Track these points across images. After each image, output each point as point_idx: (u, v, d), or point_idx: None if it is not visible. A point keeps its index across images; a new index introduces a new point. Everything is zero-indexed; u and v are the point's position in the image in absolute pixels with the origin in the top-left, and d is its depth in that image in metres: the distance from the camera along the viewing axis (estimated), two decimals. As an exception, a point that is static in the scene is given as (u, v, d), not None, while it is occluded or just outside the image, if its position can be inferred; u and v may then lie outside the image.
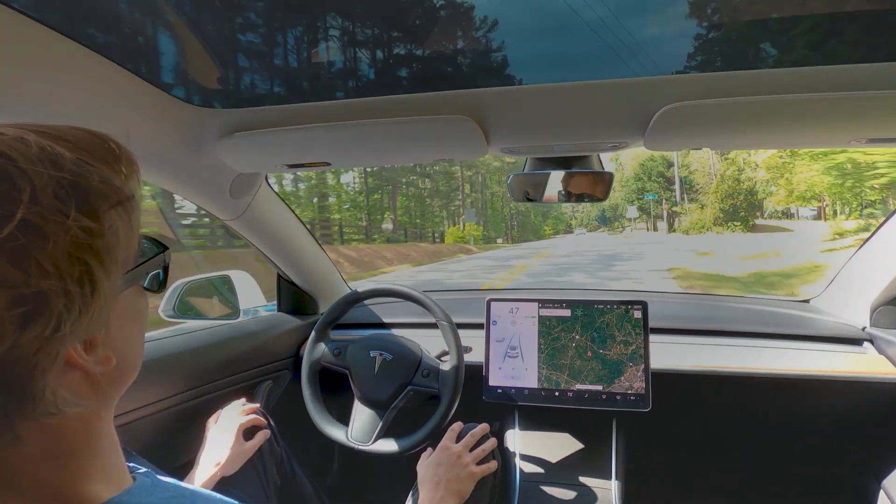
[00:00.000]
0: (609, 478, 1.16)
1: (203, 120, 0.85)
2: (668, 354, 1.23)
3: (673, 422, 1.34)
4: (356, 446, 1.10)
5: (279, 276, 1.45)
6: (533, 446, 1.25)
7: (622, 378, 1.14)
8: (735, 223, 29.71)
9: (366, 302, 1.26)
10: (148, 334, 1.09)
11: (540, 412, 1.24)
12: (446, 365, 1.12)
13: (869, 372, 1.14)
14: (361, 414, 1.15)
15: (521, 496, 1.16)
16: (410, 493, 0.98)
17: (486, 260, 19.61)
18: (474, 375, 1.19)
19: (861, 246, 1.24)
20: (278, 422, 1.07)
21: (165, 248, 0.44)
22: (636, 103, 0.79)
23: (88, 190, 0.33)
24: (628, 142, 0.92)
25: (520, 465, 1.22)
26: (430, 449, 0.99)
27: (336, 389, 1.21)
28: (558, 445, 1.24)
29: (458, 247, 28.99)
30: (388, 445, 1.09)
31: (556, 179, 1.06)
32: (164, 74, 0.77)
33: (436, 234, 34.94)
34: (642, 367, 1.13)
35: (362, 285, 1.29)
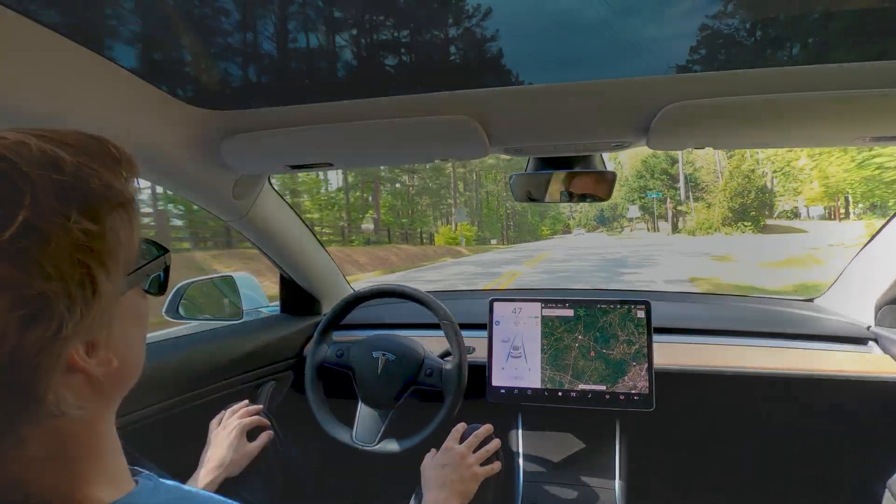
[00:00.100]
0: (612, 477, 1.16)
1: (205, 121, 0.85)
2: (672, 354, 1.22)
3: (677, 422, 1.34)
4: (361, 447, 1.10)
5: (282, 277, 1.45)
6: (536, 446, 1.24)
7: (626, 378, 1.14)
8: (745, 223, 28.29)
9: (368, 302, 1.26)
10: (150, 335, 1.10)
11: (543, 412, 1.24)
12: (449, 364, 1.12)
13: (874, 371, 1.13)
14: (365, 415, 1.14)
15: (525, 496, 1.16)
16: (414, 493, 0.98)
17: (470, 265, 17.34)
18: (477, 376, 1.19)
19: (866, 245, 1.23)
20: (281, 423, 1.07)
21: (166, 250, 0.44)
22: (639, 102, 0.78)
23: (89, 193, 0.33)
24: (631, 141, 0.91)
25: (523, 465, 1.21)
26: (433, 450, 0.99)
27: (339, 390, 1.21)
28: (561, 445, 1.23)
29: (446, 249, 26.85)
30: (393, 446, 1.09)
31: (558, 179, 1.05)
32: (166, 76, 0.77)
33: (424, 235, 32.81)
34: (646, 366, 1.13)
35: (365, 286, 1.29)
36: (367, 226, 30.13)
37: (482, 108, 0.81)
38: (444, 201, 43.99)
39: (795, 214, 29.93)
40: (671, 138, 0.86)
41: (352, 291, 1.53)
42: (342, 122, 0.84)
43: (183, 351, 1.10)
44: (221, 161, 0.93)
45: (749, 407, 1.28)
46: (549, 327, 1.20)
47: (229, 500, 0.41)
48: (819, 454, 1.35)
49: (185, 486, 0.43)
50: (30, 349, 0.30)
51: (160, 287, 0.45)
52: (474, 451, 0.96)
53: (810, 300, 1.47)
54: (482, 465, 0.95)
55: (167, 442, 1.04)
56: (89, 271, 0.32)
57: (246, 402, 1.04)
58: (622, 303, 1.18)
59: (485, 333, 1.23)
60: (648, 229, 48.19)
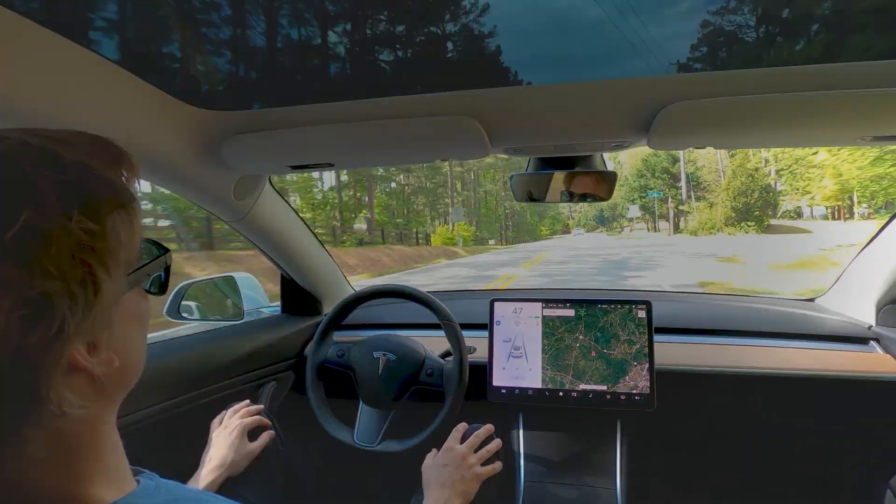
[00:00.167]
0: (613, 478, 1.16)
1: (206, 122, 0.85)
2: (673, 354, 1.22)
3: (678, 422, 1.34)
4: (362, 447, 1.10)
5: (283, 277, 1.45)
6: (537, 446, 1.24)
7: (627, 378, 1.14)
8: (749, 223, 27.57)
9: (369, 302, 1.26)
10: (151, 335, 1.10)
11: (544, 412, 1.24)
12: (450, 364, 1.12)
13: (875, 371, 1.13)
14: (366, 415, 1.14)
15: (526, 496, 1.16)
16: (415, 493, 0.98)
17: (464, 267, 16.27)
18: (478, 376, 1.19)
19: (867, 244, 1.23)
20: (282, 423, 1.07)
21: (167, 250, 0.44)
22: (639, 102, 0.78)
23: (90, 193, 0.34)
24: (632, 141, 0.91)
25: (524, 464, 1.21)
26: (434, 450, 0.99)
27: (340, 390, 1.21)
28: (562, 445, 1.23)
29: (442, 249, 25.76)
30: (394, 446, 1.09)
31: (559, 179, 1.05)
32: (167, 77, 0.77)
33: (420, 236, 31.82)
34: (647, 366, 1.13)
35: (366, 286, 1.30)
36: (360, 226, 28.79)
37: (483, 108, 0.81)
38: (440, 201, 43.07)
39: (798, 214, 29.36)
40: (672, 138, 0.86)
41: (352, 292, 1.53)
42: (343, 122, 0.84)
43: (184, 351, 1.10)
44: (222, 162, 0.93)
45: (750, 407, 1.28)
46: (550, 327, 1.20)
47: (231, 500, 0.41)
48: (820, 454, 1.35)
49: (187, 486, 0.43)
50: (32, 349, 0.30)
51: (161, 287, 0.45)
52: (475, 451, 0.96)
53: (811, 300, 1.47)
54: (483, 465, 0.95)
55: (168, 442, 1.04)
56: (91, 271, 0.32)
57: (247, 402, 1.04)
58: (623, 302, 1.18)
59: (486, 333, 1.23)
60: (648, 229, 47.41)
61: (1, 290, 0.29)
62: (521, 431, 1.26)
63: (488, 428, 1.02)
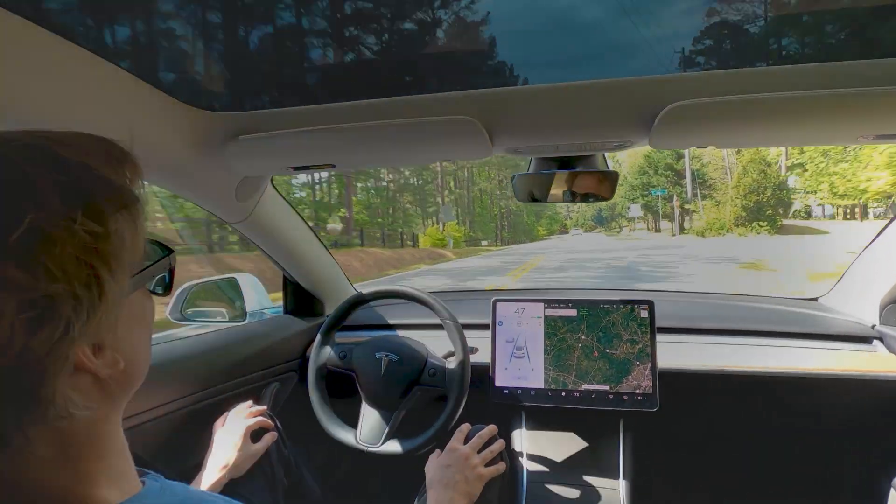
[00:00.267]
0: (616, 477, 1.15)
1: (208, 123, 0.85)
2: (676, 354, 1.22)
3: (680, 421, 1.34)
4: (365, 448, 1.10)
5: (285, 279, 1.46)
6: (540, 446, 1.24)
7: (629, 377, 1.13)
8: (760, 223, 25.71)
9: (371, 303, 1.26)
10: (154, 336, 1.10)
11: (546, 412, 1.24)
12: (452, 363, 1.12)
13: (879, 370, 1.13)
14: (369, 416, 1.15)
15: (529, 496, 1.16)
16: (418, 494, 0.98)
17: (439, 277, 13.40)
18: (481, 376, 1.19)
19: (870, 243, 1.22)
20: (285, 424, 1.07)
21: (171, 250, 0.44)
22: (641, 102, 0.78)
23: (94, 194, 0.34)
24: (633, 140, 0.91)
25: (527, 465, 1.21)
26: (437, 450, 0.99)
27: (343, 392, 1.21)
28: (565, 445, 1.23)
29: (428, 252, 22.72)
30: (397, 446, 1.09)
31: (560, 179, 1.05)
32: (169, 78, 0.78)
33: (406, 237, 29.25)
34: (649, 365, 1.13)
35: (367, 287, 1.30)
36: (334, 226, 24.76)
37: (484, 108, 0.81)
38: (430, 199, 40.28)
39: (808, 214, 28.01)
40: (674, 137, 0.86)
41: (355, 293, 1.54)
42: (345, 123, 0.84)
43: (187, 352, 1.10)
44: (225, 163, 0.93)
45: (753, 407, 1.28)
46: (553, 327, 1.20)
47: (234, 501, 0.41)
48: (824, 454, 1.35)
49: (191, 488, 0.43)
50: (37, 351, 0.30)
51: (165, 287, 0.45)
52: (479, 452, 0.96)
53: (814, 299, 1.46)
54: (486, 465, 0.95)
55: (172, 443, 1.04)
56: (95, 272, 0.32)
57: (250, 402, 1.04)
58: (625, 302, 1.18)
59: (488, 334, 1.23)
60: (649, 229, 45.86)
61: (5, 293, 0.29)
62: (523, 431, 1.26)
63: (491, 428, 1.02)
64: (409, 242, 28.43)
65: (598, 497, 1.14)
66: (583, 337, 1.18)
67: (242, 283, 1.41)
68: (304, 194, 26.62)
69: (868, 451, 1.28)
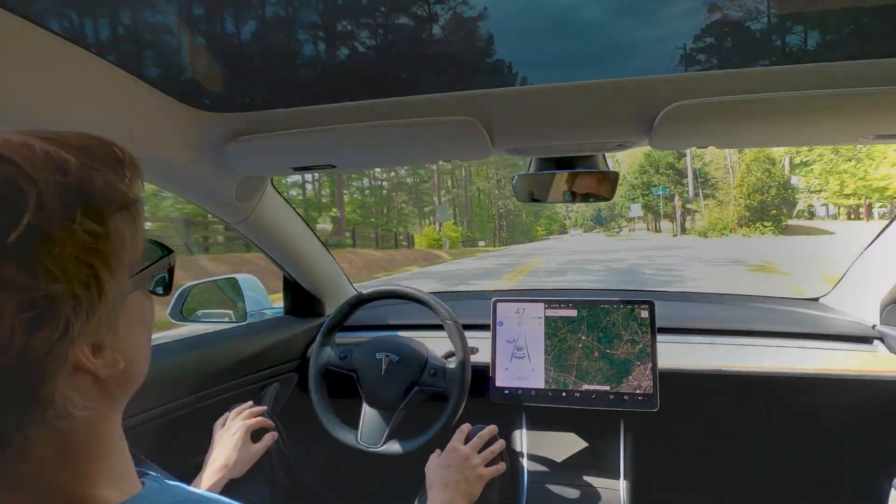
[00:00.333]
0: (617, 477, 1.15)
1: (209, 123, 0.85)
2: (676, 354, 1.22)
3: (681, 422, 1.33)
4: (366, 448, 1.10)
5: (285, 279, 1.46)
6: (540, 446, 1.24)
7: (630, 378, 1.13)
8: (765, 223, 24.93)
9: (371, 304, 1.26)
10: (154, 337, 1.10)
11: (547, 413, 1.24)
12: (453, 363, 1.12)
13: (879, 370, 1.13)
14: (370, 416, 1.15)
15: (529, 496, 1.16)
16: (418, 494, 0.98)
17: (430, 280, 12.46)
18: (481, 376, 1.19)
19: (871, 243, 1.22)
20: (285, 424, 1.07)
21: (170, 250, 0.44)
22: (641, 102, 0.78)
23: (94, 194, 0.34)
24: (634, 141, 0.91)
25: (527, 465, 1.21)
26: (438, 450, 0.99)
27: (343, 392, 1.21)
28: (566, 445, 1.23)
29: (422, 253, 21.53)
30: (398, 447, 1.09)
31: (561, 179, 1.05)
32: (169, 78, 0.78)
33: (401, 237, 28.29)
34: (650, 365, 1.13)
35: (368, 287, 1.30)
36: (324, 226, 23.71)
37: (484, 108, 0.81)
38: (426, 198, 38.90)
39: (811, 214, 27.28)
40: (674, 138, 0.86)
41: (355, 293, 1.54)
42: (345, 123, 0.84)
43: (187, 353, 1.10)
44: (225, 163, 0.93)
45: (753, 407, 1.28)
46: (553, 328, 1.20)
47: (234, 502, 0.41)
48: (824, 454, 1.35)
49: (191, 488, 0.43)
50: (37, 351, 0.30)
51: (165, 287, 0.45)
52: (479, 452, 0.96)
53: (815, 299, 1.46)
54: (487, 465, 0.95)
55: (172, 443, 1.04)
56: (94, 272, 0.32)
57: (250, 403, 1.04)
58: (626, 303, 1.17)
59: (488, 334, 1.23)
60: (649, 229, 45.25)
61: (5, 293, 0.29)
62: (524, 432, 1.26)
63: (492, 429, 1.02)
64: (404, 243, 27.53)
65: (599, 497, 1.13)
66: (583, 337, 1.18)
67: (243, 284, 1.41)
68: (294, 192, 26.00)
69: (868, 451, 1.28)
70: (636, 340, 1.15)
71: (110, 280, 0.33)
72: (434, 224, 32.41)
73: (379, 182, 34.00)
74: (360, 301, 1.25)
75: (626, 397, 1.13)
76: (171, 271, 0.45)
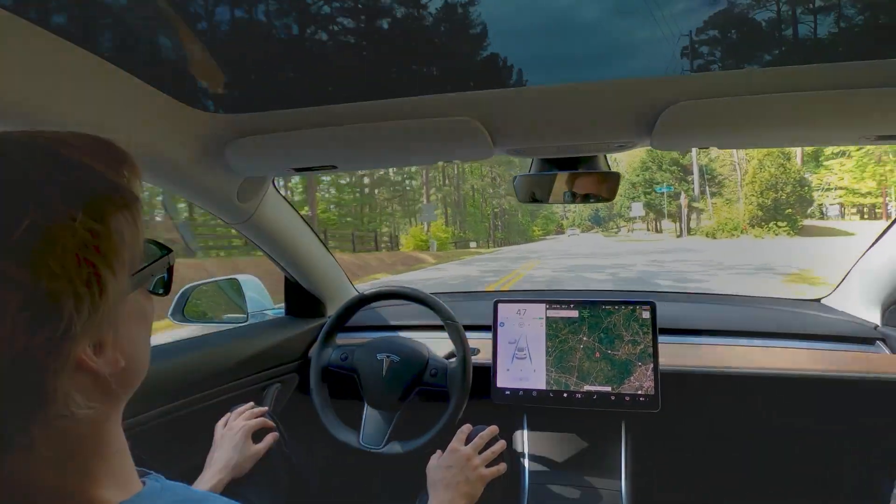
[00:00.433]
0: (618, 478, 1.15)
1: (210, 124, 0.86)
2: (678, 355, 1.22)
3: (682, 423, 1.33)
4: (368, 449, 1.10)
5: (286, 279, 1.46)
6: (542, 447, 1.24)
7: (631, 378, 1.13)
8: (779, 223, 23.09)
9: (372, 304, 1.26)
10: (155, 337, 1.10)
11: (548, 413, 1.23)
12: (454, 364, 1.12)
13: (882, 371, 1.12)
14: (371, 417, 1.15)
15: (530, 497, 1.16)
16: (419, 495, 0.98)
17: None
18: (482, 377, 1.19)
19: (873, 243, 1.22)
20: (286, 424, 1.07)
21: (170, 250, 0.44)
22: (642, 102, 0.78)
23: (94, 194, 0.34)
24: (635, 141, 0.91)
25: (528, 465, 1.21)
26: (439, 451, 0.99)
27: (344, 393, 1.21)
28: (567, 446, 1.23)
29: (402, 257, 19.17)
30: (399, 447, 1.09)
31: (562, 180, 1.05)
32: (171, 79, 0.78)
33: (383, 238, 25.84)
34: (651, 366, 1.13)
35: (369, 288, 1.30)
36: None
37: (485, 109, 0.81)
38: (416, 196, 36.35)
39: (822, 214, 25.66)
40: (675, 138, 0.86)
41: (356, 294, 1.54)
42: (346, 124, 0.85)
43: (188, 354, 1.11)
44: (226, 164, 0.93)
45: (755, 407, 1.27)
46: (554, 329, 1.20)
47: (235, 502, 0.41)
48: (825, 454, 1.34)
49: (192, 488, 0.43)
50: (39, 349, 0.30)
51: (165, 287, 0.45)
52: (480, 453, 0.96)
53: (817, 300, 1.46)
54: (488, 466, 0.95)
55: (173, 444, 1.04)
56: (96, 270, 0.33)
57: (251, 403, 1.04)
58: (627, 303, 1.17)
59: (489, 335, 1.23)
60: (649, 229, 43.85)
61: (7, 291, 0.29)
62: (525, 432, 1.26)
63: (493, 429, 1.02)
64: (384, 245, 24.95)
65: (600, 498, 1.13)
66: (584, 338, 1.18)
67: (244, 285, 1.42)
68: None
69: (869, 451, 1.28)
70: (637, 341, 1.15)
71: (111, 278, 0.34)
72: (423, 224, 28.87)
73: (359, 177, 30.72)
74: (361, 301, 1.25)
75: (627, 398, 1.13)
76: (170, 271, 0.45)
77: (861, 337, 1.21)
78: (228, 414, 1.01)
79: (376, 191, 32.78)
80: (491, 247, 38.73)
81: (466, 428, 1.02)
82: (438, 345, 1.24)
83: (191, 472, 0.89)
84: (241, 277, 1.42)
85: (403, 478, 1.15)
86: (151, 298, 0.43)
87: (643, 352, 1.14)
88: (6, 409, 0.30)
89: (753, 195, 24.12)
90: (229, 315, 1.41)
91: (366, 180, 31.56)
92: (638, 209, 39.04)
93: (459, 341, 1.12)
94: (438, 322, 1.16)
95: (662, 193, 36.38)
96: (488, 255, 24.83)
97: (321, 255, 1.43)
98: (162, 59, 0.79)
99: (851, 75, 0.69)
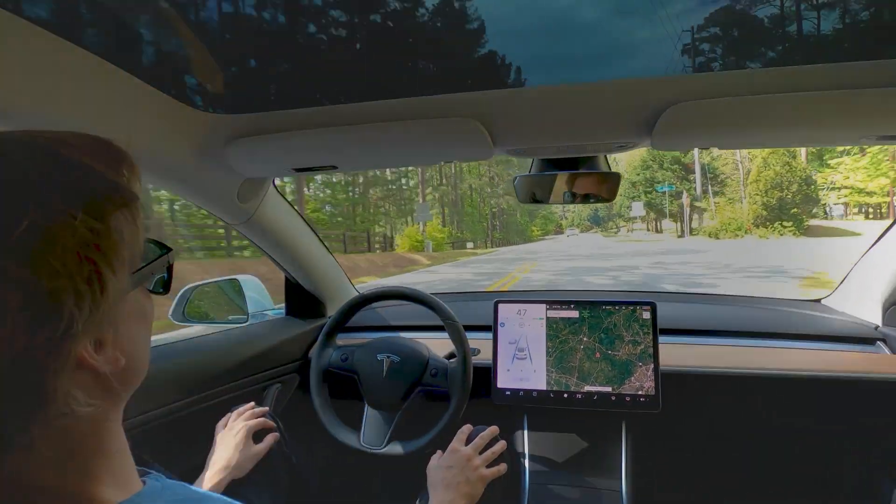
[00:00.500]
0: (619, 479, 1.15)
1: (211, 125, 0.86)
2: (678, 355, 1.22)
3: (683, 423, 1.33)
4: (369, 450, 1.10)
5: (287, 280, 1.46)
6: (542, 448, 1.24)
7: (632, 379, 1.13)
8: (784, 223, 22.31)
9: (372, 305, 1.26)
10: (157, 338, 1.10)
11: (549, 414, 1.23)
12: (454, 363, 1.12)
13: (882, 371, 1.12)
14: (372, 417, 1.15)
15: (531, 497, 1.16)
16: (420, 495, 0.98)
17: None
18: (482, 377, 1.19)
19: (874, 243, 1.22)
20: (287, 424, 1.07)
21: (169, 249, 0.44)
22: (642, 103, 0.78)
23: (94, 192, 0.34)
24: (635, 142, 0.91)
25: (529, 466, 1.21)
26: (439, 451, 0.99)
27: (345, 393, 1.21)
28: (567, 447, 1.23)
29: (394, 258, 18.48)
30: (400, 448, 1.09)
31: (562, 180, 1.05)
32: (171, 80, 0.78)
33: (376, 238, 24.93)
34: (651, 366, 1.13)
35: (369, 288, 1.30)
36: None
37: (486, 110, 0.81)
38: (407, 195, 35.12)
39: (825, 214, 25.03)
40: (676, 139, 0.86)
41: (356, 294, 1.54)
42: (347, 125, 0.85)
43: (189, 354, 1.11)
44: (227, 164, 0.93)
45: (755, 408, 1.27)
46: (554, 329, 1.20)
47: (235, 501, 0.41)
48: (825, 454, 1.34)
49: (192, 487, 0.43)
50: (40, 348, 0.30)
51: (165, 286, 0.45)
52: (480, 453, 0.96)
53: (817, 300, 1.46)
54: (488, 466, 0.95)
55: (174, 444, 1.04)
56: (96, 268, 0.33)
57: (252, 403, 1.04)
58: (627, 303, 1.17)
59: (489, 335, 1.23)
60: (649, 229, 43.10)
61: (9, 290, 0.29)
62: (525, 433, 1.26)
63: (493, 430, 1.02)
64: (378, 246, 24.00)
65: (600, 498, 1.13)
66: (584, 338, 1.18)
67: (244, 285, 1.42)
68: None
69: (869, 451, 1.28)
70: (638, 341, 1.15)
71: (111, 276, 0.34)
72: (418, 224, 27.34)
73: (354, 176, 29.76)
74: (362, 302, 1.25)
75: (628, 398, 1.13)
76: (169, 270, 0.45)
77: (861, 337, 1.21)
78: (229, 414, 1.01)
79: (370, 190, 31.64)
80: (489, 247, 37.80)
81: (467, 428, 1.02)
82: (439, 345, 1.24)
83: (191, 472, 0.89)
84: (241, 277, 1.42)
85: (404, 478, 1.15)
86: (151, 298, 0.43)
87: (643, 352, 1.14)
88: (6, 410, 0.30)
89: (758, 194, 23.38)
90: (230, 315, 1.41)
91: (360, 179, 30.71)
92: (638, 209, 38.19)
93: (460, 341, 1.12)
94: (438, 322, 1.16)
95: (664, 192, 35.35)
96: (484, 255, 24.11)
97: (321, 255, 1.43)
98: (163, 60, 0.79)
99: (853, 75, 0.69)
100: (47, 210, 0.31)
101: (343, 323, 1.26)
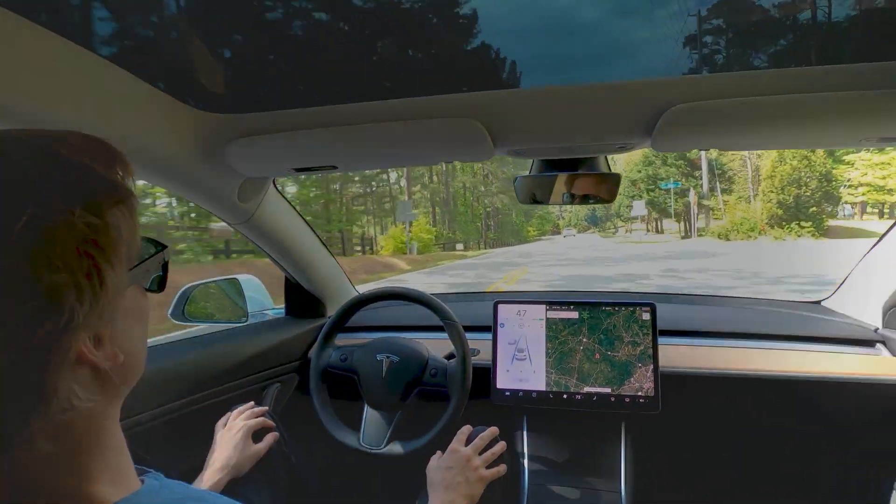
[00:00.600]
0: (618, 480, 1.15)
1: (211, 125, 0.86)
2: (678, 356, 1.22)
3: (683, 424, 1.33)
4: (368, 450, 1.10)
5: (287, 280, 1.46)
6: (541, 448, 1.24)
7: (631, 380, 1.13)
8: (802, 223, 20.58)
9: (371, 305, 1.26)
10: (156, 338, 1.11)
11: (548, 415, 1.23)
12: (454, 364, 1.12)
13: (882, 373, 1.12)
14: (371, 417, 1.15)
15: (530, 498, 1.16)
16: (419, 495, 0.97)
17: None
18: (482, 378, 1.19)
19: (874, 245, 1.22)
20: (286, 424, 1.07)
21: (164, 246, 0.44)
22: (643, 104, 0.78)
23: (91, 189, 0.35)
24: (635, 143, 0.91)
25: (528, 467, 1.21)
26: (439, 452, 0.99)
27: (344, 393, 1.21)
28: (567, 447, 1.23)
29: (364, 263, 16.63)
30: (399, 448, 1.09)
31: (562, 181, 1.05)
32: (171, 79, 0.78)
33: (353, 239, 23.01)
34: (651, 368, 1.12)
35: (369, 288, 1.30)
36: (221, 226, 12.81)
37: (486, 110, 0.81)
38: (397, 192, 32.25)
39: (834, 214, 23.27)
40: (676, 140, 0.86)
41: (356, 294, 1.54)
42: (347, 125, 0.85)
43: (188, 353, 1.11)
44: (227, 164, 0.93)
45: (756, 410, 1.27)
46: (554, 330, 1.20)
47: (235, 501, 0.41)
48: (825, 455, 1.34)
49: (191, 486, 0.43)
50: (41, 343, 0.31)
51: (160, 284, 0.46)
52: (480, 454, 0.96)
53: (817, 302, 1.46)
54: (488, 467, 0.95)
55: (173, 443, 1.04)
56: (95, 263, 0.33)
57: (251, 403, 1.04)
58: (627, 305, 1.17)
59: (489, 336, 1.23)
60: (648, 230, 41.45)
61: (9, 286, 0.30)
62: (525, 434, 1.26)
63: (493, 430, 1.02)
64: (357, 248, 22.24)
65: (600, 499, 1.13)
66: (584, 339, 1.18)
67: (244, 284, 1.42)
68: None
69: (870, 452, 1.28)
70: (637, 342, 1.15)
71: (110, 271, 0.34)
72: (404, 225, 24.57)
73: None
74: (361, 302, 1.25)
75: (627, 399, 1.13)
76: (165, 267, 0.45)
77: (862, 339, 1.21)
78: (228, 414, 1.01)
79: (346, 187, 27.70)
80: (482, 248, 35.38)
81: (467, 429, 1.02)
82: (438, 345, 1.24)
83: (191, 472, 0.89)
84: (241, 277, 1.42)
85: (403, 478, 1.15)
86: (147, 296, 0.43)
87: (643, 353, 1.14)
88: (6, 409, 0.31)
89: (773, 191, 21.31)
90: (230, 315, 1.42)
91: (331, 176, 25.29)
92: (640, 208, 35.09)
93: (459, 342, 1.12)
94: (438, 322, 1.16)
95: (669, 190, 32.03)
96: (473, 258, 22.11)
97: (321, 255, 1.43)
98: (163, 59, 0.79)
99: (853, 77, 0.69)
100: (46, 207, 0.31)
101: (342, 323, 1.26)
